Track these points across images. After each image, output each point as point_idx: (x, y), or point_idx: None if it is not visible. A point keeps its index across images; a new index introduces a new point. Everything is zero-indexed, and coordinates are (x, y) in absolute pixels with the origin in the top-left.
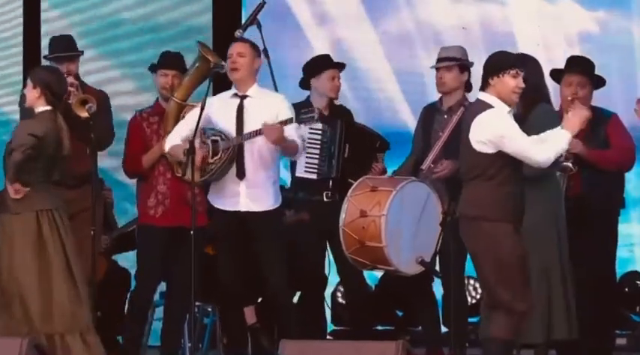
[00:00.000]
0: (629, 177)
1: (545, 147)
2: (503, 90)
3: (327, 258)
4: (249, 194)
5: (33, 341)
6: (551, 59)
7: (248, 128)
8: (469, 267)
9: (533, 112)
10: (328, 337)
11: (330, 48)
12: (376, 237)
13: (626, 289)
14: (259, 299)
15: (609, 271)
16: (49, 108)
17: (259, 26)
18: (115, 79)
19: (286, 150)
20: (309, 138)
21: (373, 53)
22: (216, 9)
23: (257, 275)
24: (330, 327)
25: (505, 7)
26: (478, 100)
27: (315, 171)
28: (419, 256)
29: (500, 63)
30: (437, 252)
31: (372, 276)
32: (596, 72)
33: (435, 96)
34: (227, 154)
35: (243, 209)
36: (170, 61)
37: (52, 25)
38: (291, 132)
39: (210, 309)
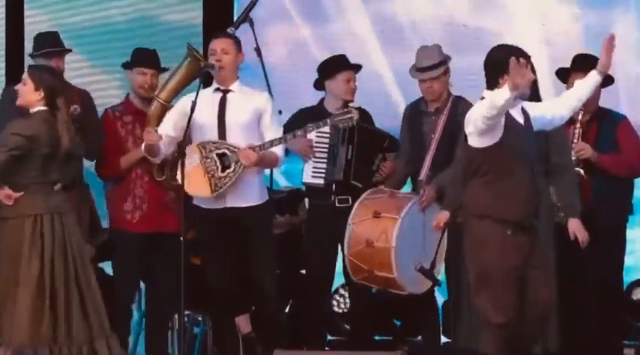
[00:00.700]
0: (637, 182)
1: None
2: None
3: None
4: (234, 190)
5: (17, 351)
6: (555, 58)
7: (230, 122)
8: None
9: None
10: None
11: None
12: (386, 268)
13: (633, 298)
14: (253, 308)
15: (616, 280)
16: (45, 108)
17: (252, 24)
18: (102, 81)
19: (265, 166)
20: (317, 142)
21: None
22: (207, 6)
23: (250, 282)
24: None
25: (508, 5)
26: (481, 99)
27: (322, 175)
28: (418, 263)
29: (508, 58)
30: (436, 260)
31: None
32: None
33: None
34: (240, 166)
35: (228, 205)
36: (148, 58)
37: (35, 25)
38: (278, 148)
39: (200, 318)
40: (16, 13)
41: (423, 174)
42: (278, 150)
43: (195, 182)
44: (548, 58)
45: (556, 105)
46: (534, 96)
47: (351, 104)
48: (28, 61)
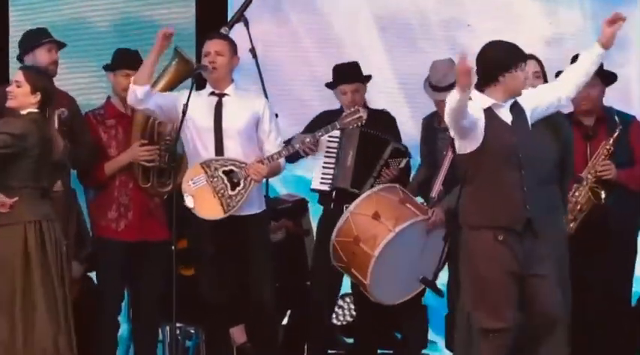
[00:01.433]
0: None
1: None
2: (514, 86)
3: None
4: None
5: None
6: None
7: (227, 128)
8: None
9: None
10: None
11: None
12: (362, 271)
13: None
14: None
15: (626, 292)
16: (37, 110)
17: (246, 23)
18: (90, 85)
19: (271, 176)
20: (328, 148)
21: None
22: (200, 6)
23: (246, 291)
24: None
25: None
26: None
27: (329, 182)
28: (420, 274)
29: (511, 57)
30: (438, 270)
31: None
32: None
33: None
34: (250, 181)
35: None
36: (132, 60)
37: (21, 25)
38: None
39: (192, 331)
40: (1, 13)
41: (434, 191)
42: (282, 159)
43: (204, 204)
44: (555, 58)
45: (560, 85)
46: None
47: (371, 105)
48: (13, 63)
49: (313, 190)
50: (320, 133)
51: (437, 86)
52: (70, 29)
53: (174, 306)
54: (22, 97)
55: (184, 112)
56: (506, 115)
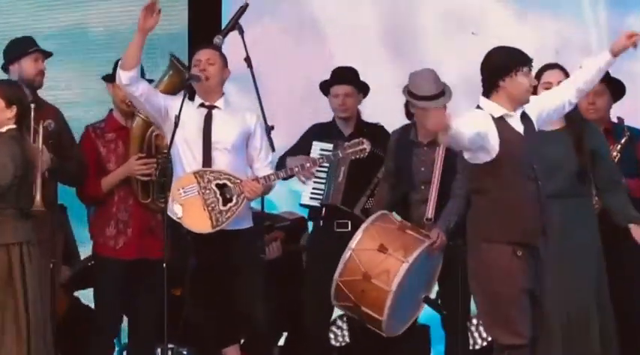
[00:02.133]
0: None
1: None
2: (517, 91)
3: None
4: None
5: None
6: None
7: (216, 137)
8: None
9: None
10: None
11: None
12: (376, 309)
13: None
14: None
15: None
16: (14, 126)
17: (241, 32)
18: (79, 95)
19: (264, 194)
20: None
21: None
22: (192, 13)
23: (238, 309)
24: None
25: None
26: (477, 108)
27: (320, 198)
28: (422, 295)
29: (510, 61)
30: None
31: None
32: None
33: None
34: (243, 199)
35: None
36: None
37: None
38: (268, 172)
39: (185, 353)
40: None
41: (429, 213)
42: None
43: (193, 215)
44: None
45: (565, 89)
46: None
47: (370, 120)
48: None
49: (303, 205)
50: (321, 160)
51: (421, 95)
52: (64, 37)
53: (164, 327)
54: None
55: (176, 124)
56: (517, 125)
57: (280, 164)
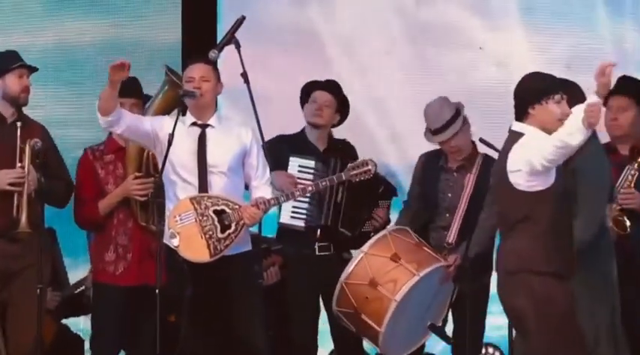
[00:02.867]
0: None
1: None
2: (547, 119)
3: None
4: None
5: None
6: None
7: (211, 160)
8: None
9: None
10: None
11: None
12: (376, 318)
13: None
14: None
15: None
16: None
17: (238, 46)
18: (69, 111)
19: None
20: (299, 178)
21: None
22: (186, 25)
23: (235, 337)
24: None
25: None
26: (511, 132)
27: (304, 217)
28: (428, 321)
29: (541, 87)
30: (447, 317)
31: None
32: None
33: None
34: (242, 225)
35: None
36: (127, 86)
37: None
38: (267, 191)
39: None
40: None
41: (451, 237)
42: (269, 195)
43: (190, 244)
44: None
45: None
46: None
47: (335, 135)
48: None
49: (281, 225)
50: (324, 183)
51: (433, 129)
52: (53, 51)
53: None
54: None
55: (170, 142)
56: None
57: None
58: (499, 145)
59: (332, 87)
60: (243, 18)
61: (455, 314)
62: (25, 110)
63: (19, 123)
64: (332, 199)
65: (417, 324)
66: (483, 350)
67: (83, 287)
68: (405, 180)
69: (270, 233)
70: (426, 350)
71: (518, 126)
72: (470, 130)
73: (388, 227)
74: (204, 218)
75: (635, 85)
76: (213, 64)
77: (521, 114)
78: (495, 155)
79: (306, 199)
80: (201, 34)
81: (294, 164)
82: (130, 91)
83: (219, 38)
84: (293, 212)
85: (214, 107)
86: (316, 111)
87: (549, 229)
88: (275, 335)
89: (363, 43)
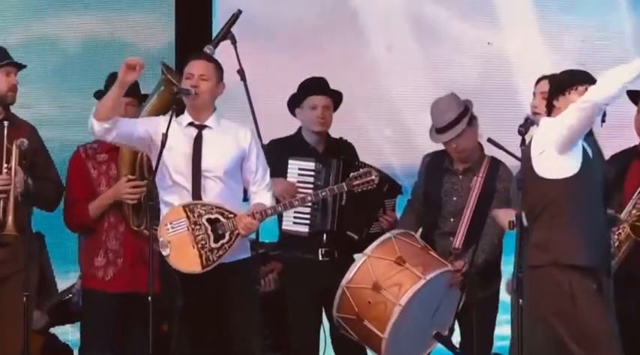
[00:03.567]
0: None
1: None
2: None
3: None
4: None
5: None
6: None
7: (206, 164)
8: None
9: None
10: None
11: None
12: (379, 324)
13: None
14: None
15: None
16: None
17: (234, 41)
18: (59, 111)
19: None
20: (299, 182)
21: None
22: (180, 20)
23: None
24: None
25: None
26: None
27: (307, 222)
28: (434, 330)
29: (565, 80)
30: (454, 326)
31: None
32: None
33: None
34: (236, 235)
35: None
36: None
37: None
38: (266, 198)
39: None
40: None
41: (458, 242)
42: (268, 202)
43: (181, 254)
44: None
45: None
46: None
47: (333, 135)
48: None
49: (284, 232)
50: (324, 194)
51: (438, 128)
52: (43, 50)
53: None
54: None
55: (163, 143)
56: (586, 146)
57: None
58: (508, 146)
59: (325, 88)
60: (239, 12)
61: (462, 323)
62: (13, 109)
63: (6, 123)
64: (336, 203)
65: (422, 333)
66: None
67: (71, 295)
68: (405, 180)
69: (268, 239)
70: None
71: (543, 121)
72: (477, 131)
73: (392, 230)
74: (197, 227)
75: None
76: (216, 61)
77: (549, 109)
78: (504, 157)
79: (308, 204)
80: (195, 34)
81: (294, 167)
82: (130, 90)
83: (214, 33)
84: (296, 218)
85: (213, 107)
86: (320, 120)
87: (572, 220)
88: (273, 343)
89: (364, 39)
